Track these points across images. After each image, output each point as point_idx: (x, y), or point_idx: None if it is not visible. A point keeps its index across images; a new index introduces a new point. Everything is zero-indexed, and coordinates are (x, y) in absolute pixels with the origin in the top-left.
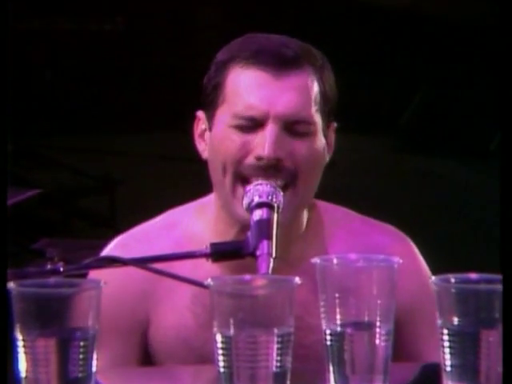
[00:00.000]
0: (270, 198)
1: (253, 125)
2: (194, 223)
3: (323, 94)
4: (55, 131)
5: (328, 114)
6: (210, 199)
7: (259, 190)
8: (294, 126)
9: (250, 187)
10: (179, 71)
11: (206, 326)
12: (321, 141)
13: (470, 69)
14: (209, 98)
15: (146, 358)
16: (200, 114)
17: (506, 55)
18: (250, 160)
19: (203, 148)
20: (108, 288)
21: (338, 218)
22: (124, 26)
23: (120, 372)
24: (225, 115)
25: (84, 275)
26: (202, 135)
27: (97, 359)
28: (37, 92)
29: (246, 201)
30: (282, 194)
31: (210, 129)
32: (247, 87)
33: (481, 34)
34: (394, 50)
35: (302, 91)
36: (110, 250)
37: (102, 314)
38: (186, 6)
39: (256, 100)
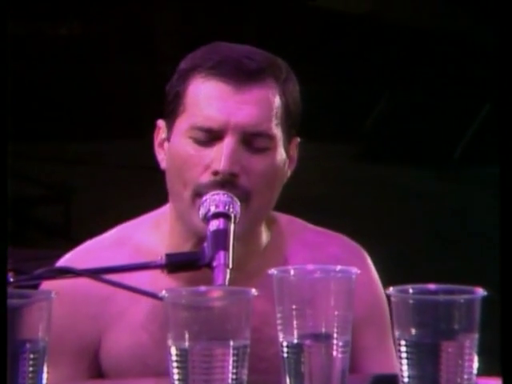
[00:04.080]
0: (226, 208)
1: (210, 138)
2: (147, 237)
3: (286, 107)
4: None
5: (290, 128)
6: (164, 212)
7: (216, 199)
8: (252, 141)
9: (206, 197)
10: (138, 78)
11: (161, 344)
12: (281, 156)
13: (433, 77)
14: (169, 107)
15: (97, 378)
16: (160, 122)
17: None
18: (207, 177)
19: (162, 158)
20: (58, 308)
21: (294, 230)
22: (81, 31)
23: None
24: (183, 126)
25: (35, 286)
26: (161, 145)
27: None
28: None
29: (202, 211)
30: (239, 204)
31: (169, 139)
32: (207, 98)
33: (444, 40)
34: (356, 58)
35: (262, 105)
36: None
37: (53, 333)
38: (144, 12)
39: (214, 111)
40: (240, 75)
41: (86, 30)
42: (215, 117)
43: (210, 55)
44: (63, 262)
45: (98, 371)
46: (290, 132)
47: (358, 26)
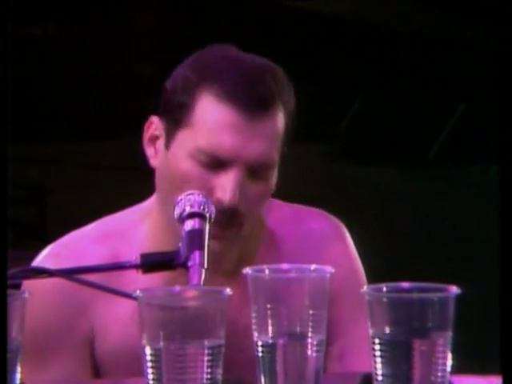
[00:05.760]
0: (201, 207)
1: (216, 163)
2: (132, 230)
3: (286, 128)
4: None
5: (284, 145)
6: (148, 205)
7: (191, 199)
8: (255, 171)
9: (181, 197)
10: (114, 78)
11: None
12: (275, 176)
13: (409, 78)
14: (171, 113)
15: (95, 371)
16: (155, 119)
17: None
18: None
19: (152, 154)
20: (48, 306)
21: (270, 210)
22: (55, 31)
23: None
24: (188, 143)
25: (18, 286)
26: (152, 140)
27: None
28: None
29: (177, 211)
30: (213, 205)
31: (167, 146)
32: (218, 125)
33: (419, 41)
34: (332, 58)
35: (271, 137)
36: (41, 260)
37: (46, 331)
38: (120, 12)
39: (225, 142)
40: (253, 104)
41: (61, 30)
42: (226, 148)
43: (223, 73)
44: (45, 255)
45: (95, 365)
46: (283, 149)
47: (334, 27)
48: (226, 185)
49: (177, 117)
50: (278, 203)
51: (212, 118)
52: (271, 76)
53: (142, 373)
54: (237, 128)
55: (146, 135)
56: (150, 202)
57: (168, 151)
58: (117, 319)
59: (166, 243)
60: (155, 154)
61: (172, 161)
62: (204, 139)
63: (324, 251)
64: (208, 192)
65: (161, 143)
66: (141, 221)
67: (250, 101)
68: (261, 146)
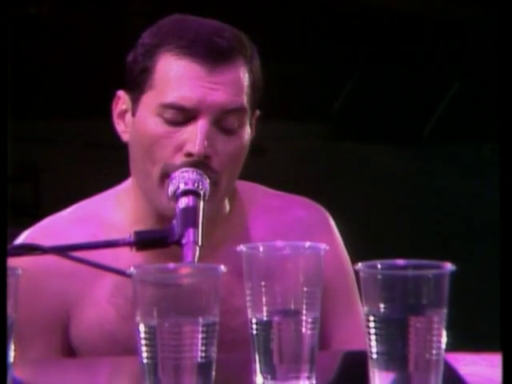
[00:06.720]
0: (196, 185)
1: (181, 118)
2: (110, 213)
3: (252, 84)
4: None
5: (255, 104)
6: (126, 187)
7: (185, 177)
8: (223, 121)
9: (175, 174)
10: (107, 58)
11: (128, 318)
12: (248, 134)
13: (403, 55)
14: (135, 81)
15: (70, 355)
16: (121, 93)
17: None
18: (180, 158)
19: (123, 129)
20: (24, 287)
21: (255, 197)
22: (50, 10)
23: (38, 364)
24: (151, 103)
25: None
26: (121, 115)
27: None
28: None
29: (171, 188)
30: (208, 181)
31: (134, 113)
32: (179, 78)
33: (413, 18)
34: (326, 36)
35: (233, 86)
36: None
37: (21, 313)
38: None
39: (187, 91)
40: (212, 56)
41: (55, 9)
42: (189, 96)
43: (180, 32)
44: (23, 239)
45: (70, 349)
46: (254, 108)
47: (329, 5)
48: (194, 135)
49: (140, 82)
50: (263, 190)
51: (173, 74)
52: (231, 33)
53: (119, 355)
54: (198, 79)
55: (115, 112)
56: (127, 184)
57: (135, 118)
58: (93, 302)
59: (146, 225)
60: (126, 129)
61: (139, 125)
62: (167, 95)
63: (310, 240)
64: (178, 149)
65: (129, 115)
66: (118, 203)
67: (209, 52)
68: (223, 94)
